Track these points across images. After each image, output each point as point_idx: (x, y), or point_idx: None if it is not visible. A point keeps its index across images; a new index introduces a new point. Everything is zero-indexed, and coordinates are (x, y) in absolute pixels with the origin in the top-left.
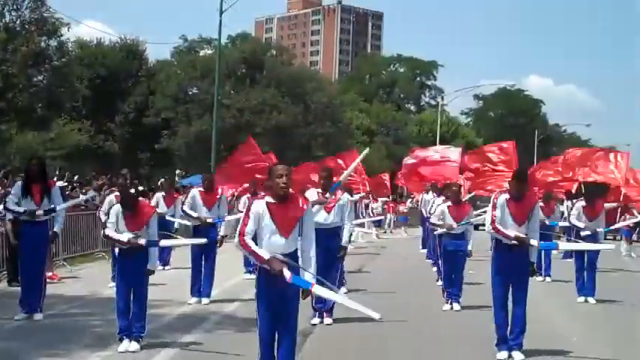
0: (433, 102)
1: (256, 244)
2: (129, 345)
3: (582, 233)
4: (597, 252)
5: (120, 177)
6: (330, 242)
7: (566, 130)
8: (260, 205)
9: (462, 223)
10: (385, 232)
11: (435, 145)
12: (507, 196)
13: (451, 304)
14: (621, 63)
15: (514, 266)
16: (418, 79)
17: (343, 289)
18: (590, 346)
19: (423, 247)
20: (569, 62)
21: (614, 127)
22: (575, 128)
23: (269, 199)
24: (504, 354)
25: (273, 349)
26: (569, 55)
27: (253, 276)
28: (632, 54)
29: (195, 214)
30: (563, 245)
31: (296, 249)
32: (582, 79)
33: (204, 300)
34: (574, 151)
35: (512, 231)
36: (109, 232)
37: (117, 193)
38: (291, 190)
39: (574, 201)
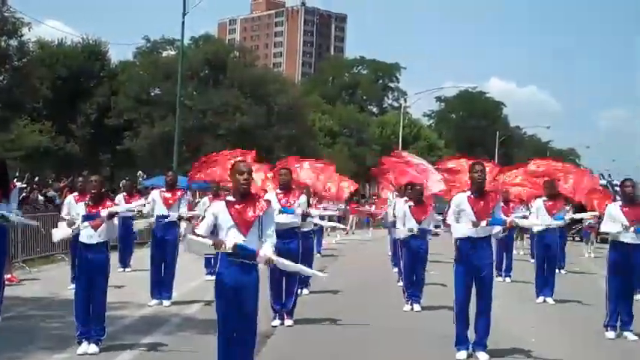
0: (396, 104)
1: None
2: (88, 347)
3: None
4: (556, 253)
5: (89, 182)
6: (289, 244)
7: (526, 132)
8: (219, 205)
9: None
10: (347, 234)
11: (398, 145)
12: (468, 194)
13: (411, 304)
14: (582, 64)
15: (477, 265)
16: (381, 81)
17: (305, 291)
18: (547, 347)
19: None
20: (530, 65)
21: (574, 129)
22: (535, 130)
23: (229, 198)
24: (464, 354)
25: (233, 350)
26: (531, 57)
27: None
28: (592, 54)
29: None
30: (514, 220)
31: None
32: (543, 81)
33: (165, 302)
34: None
35: (464, 225)
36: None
37: (75, 194)
38: (253, 189)
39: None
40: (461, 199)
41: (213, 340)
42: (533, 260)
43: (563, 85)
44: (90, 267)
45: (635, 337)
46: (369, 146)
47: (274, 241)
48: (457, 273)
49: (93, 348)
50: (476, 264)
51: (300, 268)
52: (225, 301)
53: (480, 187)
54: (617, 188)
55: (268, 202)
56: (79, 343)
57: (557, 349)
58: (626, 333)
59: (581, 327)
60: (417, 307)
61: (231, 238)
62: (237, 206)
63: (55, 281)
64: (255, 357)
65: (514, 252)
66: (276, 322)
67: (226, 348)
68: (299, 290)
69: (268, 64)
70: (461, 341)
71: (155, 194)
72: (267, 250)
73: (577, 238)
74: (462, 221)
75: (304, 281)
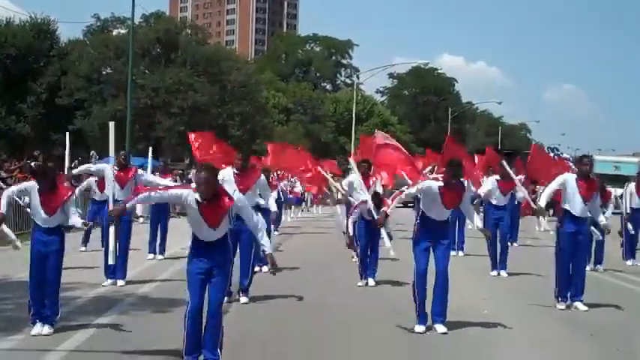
0: (349, 81)
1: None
2: (42, 328)
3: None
4: (509, 226)
5: (48, 165)
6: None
7: (478, 107)
8: (191, 196)
9: None
10: (302, 211)
11: (352, 122)
12: (440, 184)
13: (366, 279)
14: (529, 40)
15: (436, 240)
16: (334, 58)
17: (265, 268)
18: (499, 318)
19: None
20: (481, 41)
21: (525, 103)
22: (487, 106)
23: (197, 197)
24: (422, 327)
25: (202, 315)
26: (481, 33)
27: (160, 257)
28: (538, 30)
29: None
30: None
31: (226, 233)
32: (492, 57)
33: (120, 282)
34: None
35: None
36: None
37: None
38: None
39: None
40: (427, 185)
41: (168, 318)
42: None
43: (512, 60)
44: (45, 248)
45: (585, 308)
46: (324, 123)
47: (262, 228)
48: (417, 247)
49: (47, 329)
50: (435, 239)
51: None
52: (197, 266)
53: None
54: (569, 163)
55: (232, 199)
56: (33, 323)
57: (508, 320)
58: (576, 303)
59: (532, 299)
60: (371, 281)
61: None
62: (205, 207)
63: (8, 263)
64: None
65: (467, 226)
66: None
67: (196, 311)
68: (258, 268)
69: (221, 42)
70: (421, 315)
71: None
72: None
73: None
74: (430, 205)
75: (262, 259)
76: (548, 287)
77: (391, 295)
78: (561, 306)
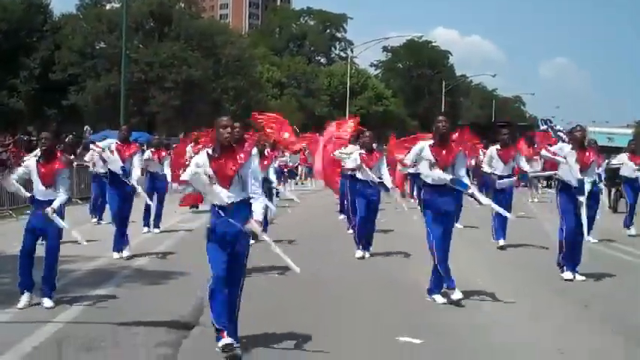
0: (343, 54)
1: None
2: (28, 300)
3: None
4: (509, 197)
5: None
6: None
7: (472, 80)
8: (202, 157)
9: None
10: (297, 184)
11: (346, 96)
12: (430, 142)
13: (363, 250)
14: (523, 14)
15: (443, 209)
16: (328, 31)
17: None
18: (493, 287)
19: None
20: (475, 14)
21: (519, 77)
22: (481, 79)
23: (209, 151)
24: (440, 297)
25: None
26: (475, 7)
27: (156, 230)
28: (533, 5)
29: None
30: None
31: (242, 200)
32: (486, 30)
33: (125, 253)
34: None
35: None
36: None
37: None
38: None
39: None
40: (423, 146)
41: (162, 290)
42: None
43: (506, 34)
44: (42, 223)
45: (583, 277)
46: (318, 97)
47: (262, 204)
48: (428, 217)
49: (48, 302)
50: (442, 207)
51: (281, 254)
52: (218, 242)
53: (443, 137)
54: (561, 134)
55: (248, 153)
56: (22, 293)
57: (504, 291)
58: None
59: (530, 270)
60: (367, 254)
61: (218, 191)
62: (216, 160)
63: (2, 238)
64: (205, 307)
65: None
66: None
67: (221, 283)
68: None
69: (214, 16)
70: (438, 285)
71: (112, 146)
72: (254, 224)
73: (522, 184)
74: (421, 167)
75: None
76: (542, 258)
77: (386, 266)
78: (568, 275)
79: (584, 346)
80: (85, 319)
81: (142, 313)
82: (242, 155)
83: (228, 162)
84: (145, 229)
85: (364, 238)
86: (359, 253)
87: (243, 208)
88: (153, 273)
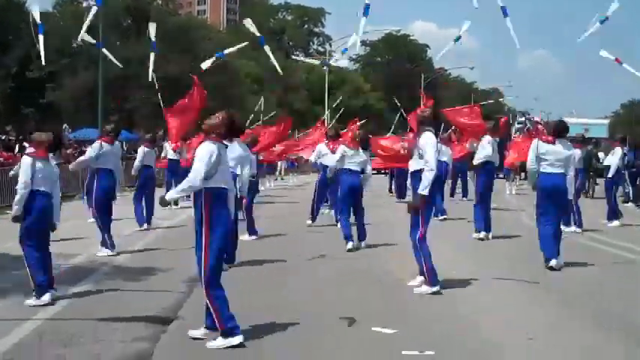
0: (321, 49)
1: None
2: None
3: None
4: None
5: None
6: None
7: (450, 73)
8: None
9: None
10: (277, 180)
11: (325, 90)
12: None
13: (352, 240)
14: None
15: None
16: (306, 26)
17: (254, 237)
18: (474, 279)
19: None
20: (452, 7)
21: (496, 69)
22: (460, 72)
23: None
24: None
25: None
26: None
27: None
28: None
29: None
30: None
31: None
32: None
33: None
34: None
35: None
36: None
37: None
38: None
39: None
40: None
41: (142, 287)
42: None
43: (483, 26)
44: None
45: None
46: (297, 92)
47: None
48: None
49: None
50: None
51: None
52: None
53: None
54: (539, 126)
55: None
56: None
57: (486, 280)
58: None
59: (503, 259)
60: (362, 244)
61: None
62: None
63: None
64: (185, 303)
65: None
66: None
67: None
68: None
69: (192, 12)
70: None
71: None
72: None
73: (500, 175)
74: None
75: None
76: (519, 247)
77: (379, 257)
78: (553, 263)
79: (576, 342)
80: (64, 316)
81: (121, 309)
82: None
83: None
84: (145, 225)
85: (357, 229)
86: (350, 245)
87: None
88: (132, 269)
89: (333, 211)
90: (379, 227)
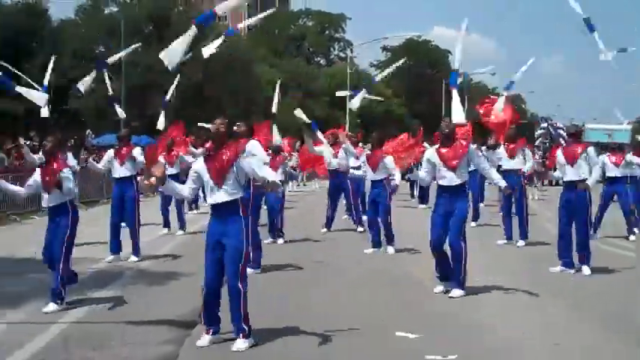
0: (342, 55)
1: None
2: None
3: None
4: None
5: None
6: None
7: (472, 79)
8: (198, 163)
9: None
10: (299, 185)
11: (345, 97)
12: (436, 146)
13: (376, 246)
14: (524, 13)
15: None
16: (327, 32)
17: (280, 241)
18: (492, 283)
19: None
20: (474, 13)
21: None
22: (481, 77)
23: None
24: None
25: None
26: (475, 6)
27: (180, 232)
28: (533, 3)
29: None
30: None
31: (233, 200)
32: (486, 29)
33: (133, 257)
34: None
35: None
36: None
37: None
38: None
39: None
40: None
41: (166, 292)
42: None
43: (505, 33)
44: (52, 226)
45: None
46: (318, 98)
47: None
48: (432, 215)
49: (52, 306)
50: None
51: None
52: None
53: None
54: (561, 131)
55: (238, 148)
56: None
57: (502, 284)
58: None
59: (527, 263)
60: (390, 249)
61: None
62: (210, 158)
63: (12, 241)
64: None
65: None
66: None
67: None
68: (270, 240)
69: None
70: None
71: (110, 152)
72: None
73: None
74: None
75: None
76: (541, 254)
77: (401, 260)
78: (555, 269)
79: (577, 343)
80: (92, 319)
81: (146, 313)
82: (233, 153)
83: (219, 158)
84: (165, 229)
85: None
86: (368, 250)
87: (231, 207)
88: (157, 274)
89: (349, 216)
90: (401, 233)
